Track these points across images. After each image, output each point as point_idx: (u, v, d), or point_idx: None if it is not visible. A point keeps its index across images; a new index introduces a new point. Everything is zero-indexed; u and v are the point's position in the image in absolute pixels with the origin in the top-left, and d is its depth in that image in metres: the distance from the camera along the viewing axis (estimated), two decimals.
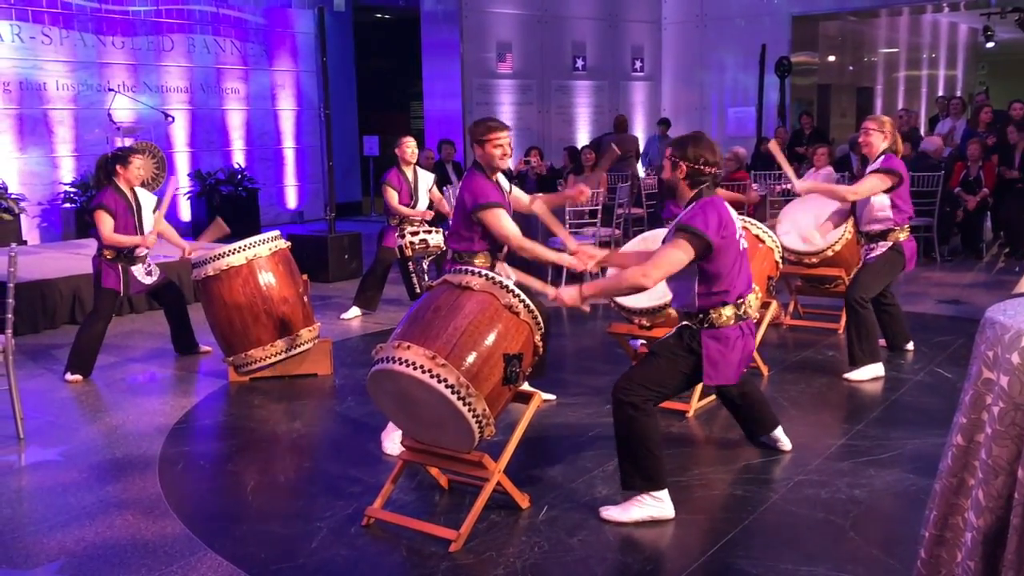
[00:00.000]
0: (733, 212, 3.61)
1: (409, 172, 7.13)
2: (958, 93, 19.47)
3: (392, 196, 7.03)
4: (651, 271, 3.43)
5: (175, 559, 3.35)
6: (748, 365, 3.73)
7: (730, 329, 3.55)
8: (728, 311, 3.54)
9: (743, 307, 3.59)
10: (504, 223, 4.38)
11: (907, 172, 5.39)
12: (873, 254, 5.45)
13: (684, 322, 3.65)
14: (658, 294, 4.70)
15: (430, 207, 7.20)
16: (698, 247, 3.44)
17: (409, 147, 7.12)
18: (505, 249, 4.56)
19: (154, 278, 6.01)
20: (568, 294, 3.53)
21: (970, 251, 9.93)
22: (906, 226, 5.39)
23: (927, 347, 6.08)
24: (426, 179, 7.21)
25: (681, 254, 3.43)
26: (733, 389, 4.10)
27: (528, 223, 8.71)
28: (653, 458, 3.51)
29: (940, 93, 19.60)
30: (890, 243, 5.38)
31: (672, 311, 4.59)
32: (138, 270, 5.90)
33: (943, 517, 2.24)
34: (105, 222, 5.67)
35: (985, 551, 2.09)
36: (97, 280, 5.83)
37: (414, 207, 7.09)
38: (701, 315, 3.55)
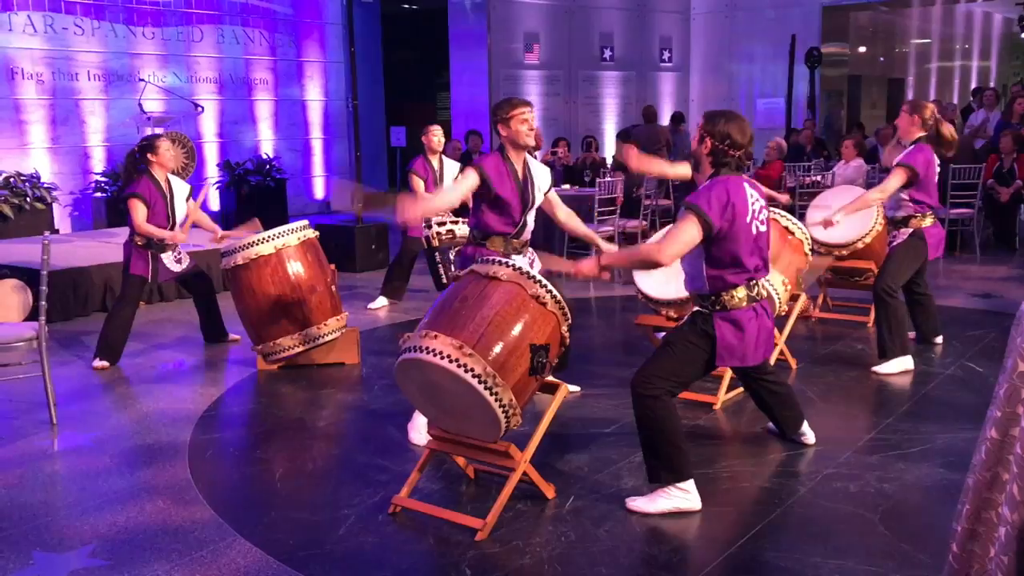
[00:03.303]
0: (752, 194, 3.52)
1: (435, 161, 7.11)
2: (992, 84, 19.18)
3: (419, 185, 6.98)
4: (665, 247, 3.42)
5: (204, 544, 3.39)
6: (770, 347, 3.68)
7: (743, 311, 3.52)
8: (741, 292, 3.52)
9: (756, 288, 3.56)
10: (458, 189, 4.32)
11: (933, 163, 5.29)
12: (896, 241, 5.44)
13: (696, 307, 3.64)
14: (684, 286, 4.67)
15: None
16: (703, 226, 3.40)
17: (436, 135, 7.07)
18: (525, 236, 4.53)
19: (183, 266, 6.06)
20: (587, 266, 3.57)
21: (1003, 244, 9.80)
22: (928, 213, 5.33)
23: (958, 341, 6.01)
24: (452, 169, 7.18)
25: (694, 230, 3.40)
26: (759, 385, 4.07)
27: (548, 228, 8.71)
28: (676, 450, 3.50)
29: (973, 84, 19.32)
30: (911, 229, 5.34)
31: None
32: (167, 258, 5.95)
33: (976, 511, 2.21)
34: (139, 210, 5.72)
35: (1020, 546, 2.06)
36: (126, 266, 5.89)
37: None
38: (713, 297, 3.54)
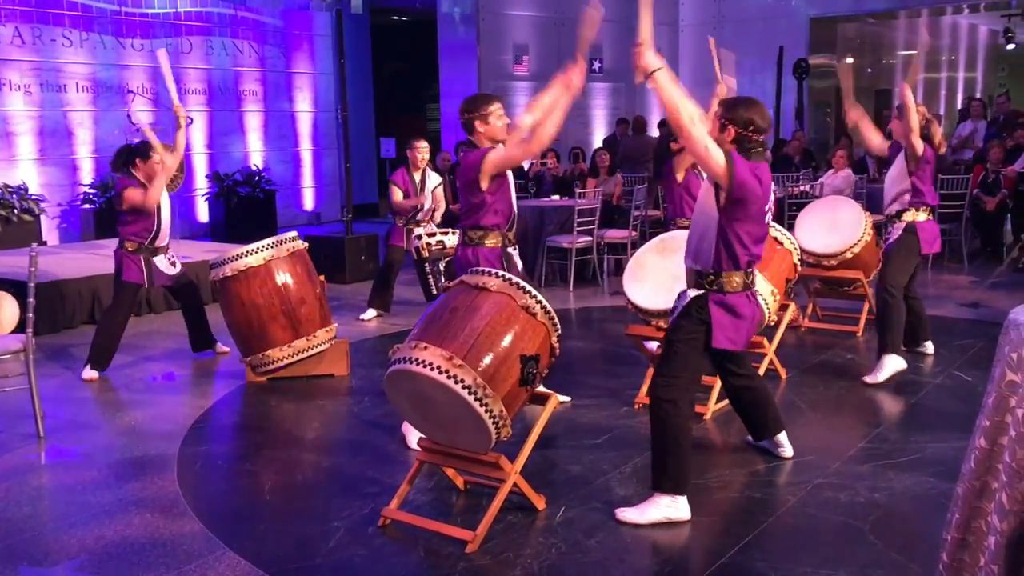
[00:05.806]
0: (772, 186, 3.62)
1: (417, 175, 7.38)
2: (978, 95, 19.33)
3: (396, 193, 7.28)
4: (699, 130, 3.36)
5: (193, 558, 3.36)
6: (754, 340, 3.72)
7: (737, 296, 3.58)
8: (738, 278, 3.56)
9: (751, 276, 3.62)
10: (510, 149, 4.32)
11: (932, 159, 5.32)
12: (890, 240, 5.45)
13: (692, 292, 3.61)
14: (675, 297, 4.66)
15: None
16: (728, 169, 3.36)
17: (420, 153, 7.34)
18: (512, 231, 4.53)
19: (177, 269, 6.03)
20: (648, 57, 3.34)
21: (990, 254, 9.85)
22: (922, 208, 5.35)
23: (947, 350, 6.03)
24: (433, 181, 7.45)
25: (721, 157, 3.36)
26: (737, 381, 4.06)
27: (542, 220, 8.72)
28: (681, 461, 3.54)
29: (960, 95, 19.46)
30: (904, 224, 5.36)
31: None
32: (161, 261, 5.91)
33: (966, 521, 2.21)
34: (137, 193, 5.69)
35: (1009, 555, 2.07)
36: (118, 274, 5.85)
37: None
38: (712, 276, 3.55)
